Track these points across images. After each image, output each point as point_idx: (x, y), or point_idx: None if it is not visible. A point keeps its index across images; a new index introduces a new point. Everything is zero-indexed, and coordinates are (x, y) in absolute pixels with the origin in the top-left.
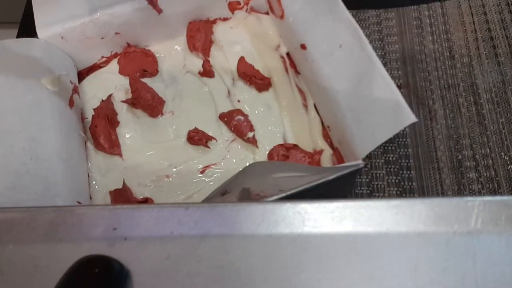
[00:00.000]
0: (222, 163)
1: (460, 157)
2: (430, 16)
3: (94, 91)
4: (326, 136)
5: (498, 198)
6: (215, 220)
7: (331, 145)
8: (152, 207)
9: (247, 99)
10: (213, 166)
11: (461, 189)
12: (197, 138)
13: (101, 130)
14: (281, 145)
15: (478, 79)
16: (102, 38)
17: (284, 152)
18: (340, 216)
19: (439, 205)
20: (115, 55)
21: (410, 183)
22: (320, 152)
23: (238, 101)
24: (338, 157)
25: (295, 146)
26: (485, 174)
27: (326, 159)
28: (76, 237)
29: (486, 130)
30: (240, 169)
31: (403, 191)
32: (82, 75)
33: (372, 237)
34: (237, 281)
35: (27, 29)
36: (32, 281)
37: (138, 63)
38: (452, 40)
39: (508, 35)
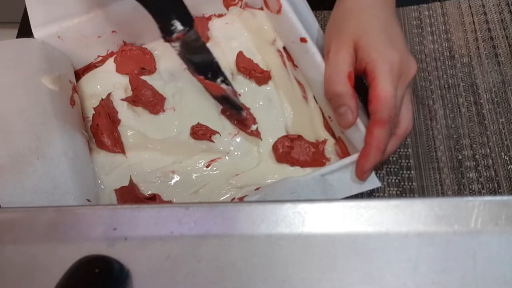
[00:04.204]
0: (227, 157)
1: (460, 157)
2: (430, 16)
3: (92, 90)
4: (327, 127)
5: (498, 198)
6: (215, 220)
7: (333, 135)
8: (152, 207)
9: (248, 93)
10: (218, 160)
11: (461, 189)
12: (201, 133)
13: (103, 128)
14: (285, 136)
15: (478, 79)
16: (98, 36)
17: (289, 143)
18: (340, 216)
19: (439, 205)
20: (111, 54)
21: (410, 183)
22: (324, 142)
23: (239, 95)
24: (342, 146)
25: (299, 137)
26: (485, 174)
27: (330, 148)
28: (76, 237)
29: (486, 130)
30: (245, 161)
31: (403, 191)
32: (78, 75)
33: (372, 237)
34: (237, 281)
35: (27, 29)
36: (32, 281)
37: (136, 61)
38: (452, 40)
39: (508, 35)
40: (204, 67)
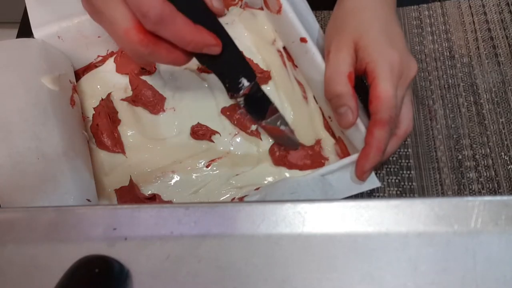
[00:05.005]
0: (227, 157)
1: (460, 157)
2: (430, 16)
3: (92, 90)
4: (327, 127)
5: (498, 198)
6: (215, 220)
7: (333, 135)
8: (152, 207)
9: None
10: (218, 160)
11: (461, 189)
12: (201, 133)
13: (103, 128)
14: None
15: (478, 79)
16: (98, 36)
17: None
18: (340, 216)
19: (439, 205)
20: (111, 54)
21: (410, 183)
22: (319, 141)
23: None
24: (342, 146)
25: None
26: (485, 174)
27: (330, 148)
28: (76, 237)
29: (486, 130)
30: (245, 161)
31: (403, 191)
32: (78, 75)
33: (372, 237)
34: (237, 281)
35: (27, 29)
36: (32, 281)
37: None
38: (452, 40)
39: (508, 35)
40: (265, 114)
